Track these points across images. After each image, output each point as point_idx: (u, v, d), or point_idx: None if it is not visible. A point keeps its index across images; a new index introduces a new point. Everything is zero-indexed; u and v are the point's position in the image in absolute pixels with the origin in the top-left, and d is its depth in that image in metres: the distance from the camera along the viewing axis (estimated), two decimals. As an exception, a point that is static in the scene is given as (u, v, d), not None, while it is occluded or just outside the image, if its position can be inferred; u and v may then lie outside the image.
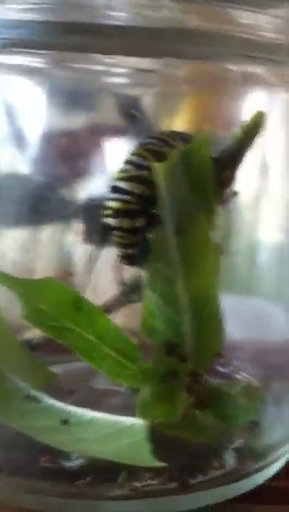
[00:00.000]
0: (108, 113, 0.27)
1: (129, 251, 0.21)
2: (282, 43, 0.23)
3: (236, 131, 0.21)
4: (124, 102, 0.28)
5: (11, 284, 0.23)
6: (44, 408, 0.26)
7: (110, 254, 0.29)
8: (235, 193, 0.23)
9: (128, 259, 0.21)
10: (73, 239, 0.30)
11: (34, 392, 0.26)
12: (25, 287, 0.23)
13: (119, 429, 0.24)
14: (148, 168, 0.20)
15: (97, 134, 0.27)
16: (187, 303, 0.21)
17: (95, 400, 0.27)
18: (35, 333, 0.30)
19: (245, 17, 0.22)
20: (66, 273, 0.30)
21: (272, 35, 0.22)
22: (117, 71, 0.24)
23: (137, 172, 0.20)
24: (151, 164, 0.20)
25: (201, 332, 0.22)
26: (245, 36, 0.22)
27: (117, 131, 0.28)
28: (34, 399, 0.26)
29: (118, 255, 0.21)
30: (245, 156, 0.21)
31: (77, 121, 0.26)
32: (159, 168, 0.19)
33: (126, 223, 0.20)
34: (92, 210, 0.30)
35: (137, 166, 0.20)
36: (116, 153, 0.28)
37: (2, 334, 0.27)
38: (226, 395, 0.26)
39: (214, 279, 0.21)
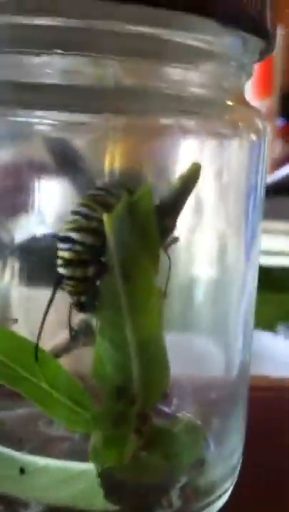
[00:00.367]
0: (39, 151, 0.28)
1: (82, 299, 0.21)
2: (211, 97, 0.25)
3: (175, 182, 0.22)
4: (53, 145, 0.29)
5: None
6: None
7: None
8: (175, 240, 0.24)
9: (81, 306, 0.22)
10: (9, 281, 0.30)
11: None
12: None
13: (73, 475, 0.25)
14: (97, 219, 0.21)
15: (28, 171, 0.28)
16: (134, 346, 0.22)
17: (45, 447, 0.27)
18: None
19: (176, 74, 0.23)
20: (6, 318, 0.31)
21: (201, 90, 0.24)
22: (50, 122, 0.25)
23: (86, 223, 0.21)
24: (99, 215, 0.21)
25: (147, 373, 0.23)
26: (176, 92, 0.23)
27: (48, 170, 0.29)
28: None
29: (71, 303, 0.22)
30: (184, 204, 0.23)
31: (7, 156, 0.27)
32: (107, 219, 0.20)
33: (78, 272, 0.21)
34: (30, 250, 0.30)
35: (86, 216, 0.21)
36: (49, 192, 0.29)
37: None
38: (169, 434, 0.27)
39: (158, 321, 0.22)
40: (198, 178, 0.22)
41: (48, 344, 0.27)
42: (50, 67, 0.22)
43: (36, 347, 0.24)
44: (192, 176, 0.22)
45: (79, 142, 0.26)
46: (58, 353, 0.27)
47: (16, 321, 0.30)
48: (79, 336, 0.26)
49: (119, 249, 0.21)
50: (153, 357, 0.23)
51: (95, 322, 0.26)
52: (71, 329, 0.26)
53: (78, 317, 0.26)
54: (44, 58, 0.21)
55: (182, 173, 0.22)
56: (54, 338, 0.28)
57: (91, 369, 0.25)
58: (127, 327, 0.22)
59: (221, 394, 0.29)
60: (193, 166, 0.22)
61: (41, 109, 0.22)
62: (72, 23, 0.21)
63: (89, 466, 0.25)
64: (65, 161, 0.28)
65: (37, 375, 0.24)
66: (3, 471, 0.26)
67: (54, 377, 0.25)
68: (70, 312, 0.24)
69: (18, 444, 0.27)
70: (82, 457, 0.25)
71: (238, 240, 0.27)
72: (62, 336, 0.27)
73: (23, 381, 0.24)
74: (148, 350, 0.22)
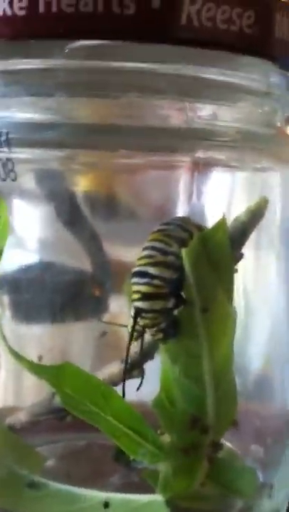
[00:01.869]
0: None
1: (161, 326, 0.22)
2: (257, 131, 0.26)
3: (241, 216, 0.23)
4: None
5: (37, 371, 0.23)
6: (54, 494, 0.26)
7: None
8: (236, 270, 0.25)
9: (161, 336, 0.22)
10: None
11: (37, 479, 0.26)
12: (48, 373, 0.23)
13: (137, 507, 0.25)
14: (173, 253, 0.22)
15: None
16: (210, 376, 0.23)
17: (94, 481, 0.28)
18: (16, 418, 0.30)
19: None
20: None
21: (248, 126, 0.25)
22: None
23: (163, 257, 0.22)
24: (175, 249, 0.22)
25: (220, 403, 0.24)
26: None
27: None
28: (40, 485, 0.26)
29: (151, 335, 0.22)
30: (249, 236, 0.24)
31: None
32: (186, 253, 0.21)
33: (157, 305, 0.21)
34: (19, 282, 0.31)
35: (162, 251, 0.22)
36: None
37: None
38: (226, 463, 0.27)
39: (232, 352, 0.23)
40: (265, 211, 0.23)
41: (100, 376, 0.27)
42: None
43: (96, 382, 0.24)
44: (259, 210, 0.23)
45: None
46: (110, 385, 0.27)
47: (41, 357, 0.30)
48: (133, 367, 0.27)
49: (197, 282, 0.22)
50: (226, 386, 0.23)
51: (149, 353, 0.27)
52: (126, 361, 0.27)
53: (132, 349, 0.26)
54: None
55: (250, 206, 0.23)
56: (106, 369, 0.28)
57: (154, 399, 0.25)
58: (203, 357, 0.22)
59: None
60: (261, 200, 0.23)
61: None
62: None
63: (151, 498, 0.25)
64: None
65: (104, 410, 0.24)
66: (60, 507, 0.26)
67: (118, 410, 0.25)
68: (129, 345, 0.24)
69: (67, 479, 0.27)
70: (131, 490, 0.25)
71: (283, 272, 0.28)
72: (116, 366, 0.28)
73: (95, 416, 0.24)
74: (222, 380, 0.23)
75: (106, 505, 0.24)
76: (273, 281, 0.29)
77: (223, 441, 0.29)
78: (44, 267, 0.31)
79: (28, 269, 0.31)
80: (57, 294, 0.31)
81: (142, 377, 0.26)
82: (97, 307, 0.33)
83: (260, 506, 0.26)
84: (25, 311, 0.32)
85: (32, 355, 0.28)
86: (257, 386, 0.30)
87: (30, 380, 0.30)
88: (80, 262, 0.32)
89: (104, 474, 0.29)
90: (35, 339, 0.33)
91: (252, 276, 0.28)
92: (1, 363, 0.30)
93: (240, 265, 0.25)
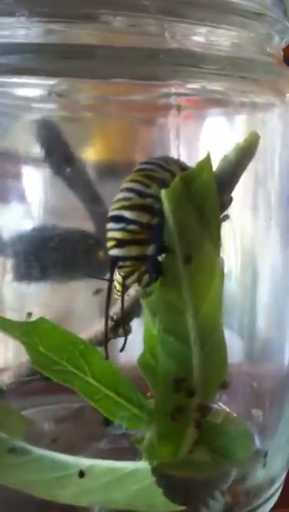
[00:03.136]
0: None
1: (140, 274, 0.20)
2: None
3: (230, 154, 0.21)
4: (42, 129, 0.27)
5: (8, 327, 0.21)
6: (35, 460, 0.24)
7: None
8: (227, 217, 0.22)
9: (137, 284, 0.20)
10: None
11: (19, 444, 0.24)
12: (20, 330, 0.21)
13: (122, 476, 0.23)
14: (152, 196, 0.19)
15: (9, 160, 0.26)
16: (195, 333, 0.21)
17: (81, 447, 0.26)
18: (1, 380, 0.28)
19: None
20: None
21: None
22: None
23: (140, 200, 0.19)
24: (154, 191, 0.19)
25: (207, 363, 0.21)
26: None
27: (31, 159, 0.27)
28: (21, 451, 0.24)
29: (130, 283, 0.20)
30: (240, 177, 0.21)
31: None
32: (166, 195, 0.19)
33: (135, 252, 0.19)
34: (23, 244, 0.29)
35: (140, 193, 0.19)
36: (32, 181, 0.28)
37: None
38: (219, 428, 0.25)
39: (220, 306, 0.21)
40: (255, 148, 0.20)
41: (83, 335, 0.25)
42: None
43: (75, 339, 0.22)
44: (250, 147, 0.20)
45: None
46: (95, 344, 0.25)
47: (30, 314, 0.28)
48: (118, 325, 0.25)
49: (178, 228, 0.19)
50: (214, 345, 0.21)
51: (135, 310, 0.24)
52: (111, 318, 0.24)
53: (116, 307, 0.24)
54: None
55: (238, 144, 0.20)
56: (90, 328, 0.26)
57: (138, 359, 0.23)
58: (188, 313, 0.20)
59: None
60: (251, 136, 0.20)
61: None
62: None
63: (138, 466, 0.23)
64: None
65: (84, 370, 0.22)
66: (42, 475, 0.24)
67: (99, 371, 0.23)
68: (107, 302, 0.22)
69: (52, 444, 0.26)
70: (119, 456, 0.24)
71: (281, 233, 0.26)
72: (99, 326, 0.25)
73: (72, 376, 0.22)
74: (210, 337, 0.21)
75: (81, 474, 0.22)
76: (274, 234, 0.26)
77: (220, 404, 0.27)
78: (44, 229, 0.30)
79: (28, 231, 0.29)
80: (56, 254, 0.29)
81: (126, 336, 0.23)
82: (98, 268, 0.31)
83: (254, 476, 0.24)
84: (22, 271, 0.30)
85: (23, 313, 0.27)
86: (260, 348, 0.28)
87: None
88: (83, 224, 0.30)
89: (92, 439, 0.27)
90: (31, 298, 0.32)
91: (251, 229, 0.26)
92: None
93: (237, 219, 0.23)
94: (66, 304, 0.33)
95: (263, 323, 0.28)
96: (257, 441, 0.25)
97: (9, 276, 0.30)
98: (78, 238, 0.31)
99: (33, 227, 0.29)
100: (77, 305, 0.33)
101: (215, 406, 0.28)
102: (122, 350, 0.23)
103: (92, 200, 0.30)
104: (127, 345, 0.23)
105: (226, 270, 0.22)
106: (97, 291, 0.30)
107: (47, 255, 0.29)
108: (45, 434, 0.28)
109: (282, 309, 0.27)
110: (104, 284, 0.29)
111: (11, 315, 0.27)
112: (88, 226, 0.31)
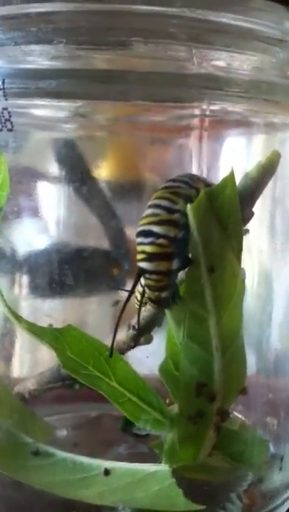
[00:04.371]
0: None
1: (163, 293, 0.21)
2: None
3: (252, 171, 0.22)
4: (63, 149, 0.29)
5: (40, 334, 0.22)
6: (58, 462, 0.25)
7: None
8: (247, 231, 0.23)
9: (159, 301, 0.21)
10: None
11: (43, 447, 0.25)
12: (50, 336, 0.22)
13: (143, 477, 0.24)
14: (178, 211, 0.20)
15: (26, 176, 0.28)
16: (217, 340, 0.22)
17: (101, 451, 0.27)
18: (24, 386, 0.29)
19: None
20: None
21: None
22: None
23: (167, 215, 0.20)
24: (181, 207, 0.20)
25: (228, 369, 0.22)
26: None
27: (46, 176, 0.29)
28: (45, 454, 0.25)
29: (149, 298, 0.21)
30: (261, 193, 0.22)
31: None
32: (191, 210, 0.20)
33: (162, 266, 0.20)
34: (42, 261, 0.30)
35: (167, 209, 0.20)
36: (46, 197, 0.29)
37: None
38: (236, 435, 0.26)
39: (240, 314, 0.22)
40: (276, 166, 0.22)
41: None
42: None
43: (112, 347, 0.23)
44: (271, 165, 0.22)
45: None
46: (121, 350, 0.26)
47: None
48: (140, 333, 0.26)
49: (203, 241, 0.20)
50: (234, 352, 0.22)
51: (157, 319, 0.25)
52: (133, 327, 0.26)
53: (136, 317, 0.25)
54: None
55: (260, 162, 0.22)
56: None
57: (160, 366, 0.24)
58: (210, 321, 0.21)
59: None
60: (272, 155, 0.21)
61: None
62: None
63: (157, 468, 0.24)
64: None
65: (108, 375, 0.24)
66: (65, 476, 0.25)
67: (124, 377, 0.24)
68: (122, 311, 0.23)
69: (74, 448, 0.27)
70: (137, 460, 0.25)
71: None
72: (123, 333, 0.27)
73: (98, 380, 0.23)
74: (230, 344, 0.22)
75: (106, 472, 0.23)
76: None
77: (236, 413, 0.28)
78: (61, 247, 0.31)
79: (45, 249, 0.30)
80: (74, 271, 0.30)
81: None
82: (114, 283, 0.32)
83: (270, 479, 0.25)
84: (40, 287, 0.31)
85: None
86: (275, 361, 0.29)
87: (41, 350, 0.29)
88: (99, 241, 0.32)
89: (111, 444, 0.28)
90: (49, 312, 0.33)
91: (267, 245, 0.27)
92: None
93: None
94: (82, 317, 0.35)
95: (278, 338, 0.29)
96: (272, 447, 0.26)
97: (26, 291, 0.31)
98: (94, 255, 0.32)
99: (50, 243, 0.30)
100: (92, 318, 0.34)
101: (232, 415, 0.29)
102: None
103: (109, 217, 0.32)
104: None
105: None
106: (116, 303, 0.31)
107: (64, 271, 0.30)
108: (67, 439, 0.29)
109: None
110: (121, 297, 0.30)
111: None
112: (103, 242, 0.32)
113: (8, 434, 0.26)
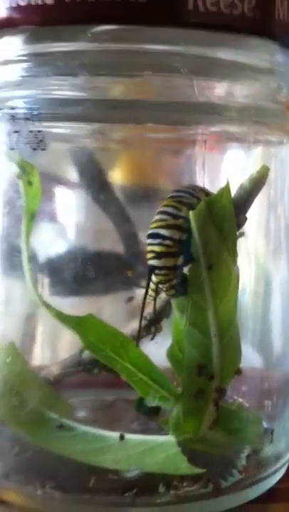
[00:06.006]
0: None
1: (173, 283, 0.25)
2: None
3: (245, 183, 0.26)
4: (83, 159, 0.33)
5: (66, 321, 0.27)
6: (80, 435, 0.29)
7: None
8: (242, 234, 0.27)
9: (172, 291, 0.25)
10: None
11: (66, 422, 0.29)
12: (74, 323, 0.26)
13: (152, 447, 0.28)
14: (182, 217, 0.24)
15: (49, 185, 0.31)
16: (215, 328, 0.26)
17: (117, 427, 0.31)
18: (49, 371, 0.33)
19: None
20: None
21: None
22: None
23: (173, 221, 0.24)
24: (184, 214, 0.24)
25: (224, 352, 0.26)
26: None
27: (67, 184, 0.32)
28: (68, 428, 0.29)
29: (162, 290, 0.25)
30: (252, 202, 0.26)
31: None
32: (193, 216, 0.24)
33: (168, 263, 0.24)
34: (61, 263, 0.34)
35: (173, 215, 0.24)
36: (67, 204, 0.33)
37: (25, 372, 0.31)
38: (234, 413, 0.30)
39: (235, 306, 0.26)
40: (266, 178, 0.26)
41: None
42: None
43: (116, 333, 0.27)
44: (261, 178, 0.25)
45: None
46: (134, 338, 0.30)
47: None
48: (150, 323, 0.30)
49: (203, 242, 0.24)
50: (230, 338, 0.26)
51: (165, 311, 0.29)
52: (144, 318, 0.29)
53: (148, 309, 0.29)
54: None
55: (252, 175, 0.26)
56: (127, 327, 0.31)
57: (167, 351, 0.28)
58: (209, 310, 0.25)
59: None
60: (262, 168, 0.25)
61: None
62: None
63: (165, 439, 0.28)
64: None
65: (123, 357, 0.27)
66: (87, 445, 0.29)
67: (135, 359, 0.28)
68: (143, 304, 0.27)
69: (93, 424, 0.31)
70: (152, 433, 0.28)
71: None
72: (134, 325, 0.31)
73: (114, 361, 0.27)
74: (226, 331, 0.26)
75: (122, 437, 0.27)
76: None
77: (235, 397, 0.32)
78: (81, 251, 0.35)
79: (66, 254, 0.34)
80: (91, 271, 0.34)
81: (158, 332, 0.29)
82: (128, 282, 0.36)
83: (263, 451, 0.29)
84: (60, 286, 0.35)
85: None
86: (274, 355, 0.33)
87: (63, 338, 0.33)
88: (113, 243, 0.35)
89: (125, 422, 0.32)
90: (69, 308, 0.36)
91: (264, 247, 0.31)
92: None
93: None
94: (98, 311, 0.39)
95: (275, 332, 0.33)
96: (264, 424, 0.30)
97: (49, 289, 0.35)
98: (110, 258, 0.36)
99: (70, 246, 0.34)
100: (108, 312, 0.38)
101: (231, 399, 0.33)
102: (152, 339, 0.28)
103: (123, 222, 0.35)
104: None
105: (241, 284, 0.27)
106: (130, 299, 0.35)
107: (82, 272, 0.33)
108: (86, 417, 0.33)
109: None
110: (135, 293, 0.34)
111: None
112: (118, 245, 0.36)
113: (36, 411, 0.30)
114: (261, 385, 0.32)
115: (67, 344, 0.35)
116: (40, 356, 0.36)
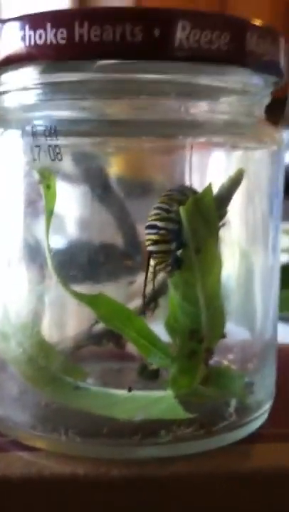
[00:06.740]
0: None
1: (168, 263, 0.31)
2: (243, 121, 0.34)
3: (225, 183, 0.32)
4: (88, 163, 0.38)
5: (81, 298, 0.33)
6: (94, 393, 0.35)
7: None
8: (224, 224, 0.33)
9: (167, 268, 0.31)
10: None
11: (81, 384, 0.36)
12: (87, 300, 0.33)
13: (155, 399, 0.34)
14: (174, 212, 0.31)
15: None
16: (203, 299, 0.32)
17: (124, 388, 0.37)
18: (65, 344, 0.40)
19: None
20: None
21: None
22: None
23: (166, 214, 0.31)
24: (176, 209, 0.31)
25: (212, 320, 0.32)
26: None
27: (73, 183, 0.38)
28: (83, 389, 0.36)
29: (160, 270, 0.31)
30: (231, 198, 0.32)
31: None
32: (183, 211, 0.30)
33: (164, 248, 0.30)
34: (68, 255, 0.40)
35: (166, 210, 0.31)
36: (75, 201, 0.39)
37: (44, 345, 0.37)
38: (221, 371, 0.36)
39: (219, 282, 0.32)
40: (241, 179, 0.32)
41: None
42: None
43: (123, 308, 0.33)
44: (238, 178, 0.32)
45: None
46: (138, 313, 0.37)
47: None
48: (150, 301, 0.36)
49: (191, 231, 0.31)
50: (215, 307, 0.32)
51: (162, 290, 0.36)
52: (144, 291, 0.36)
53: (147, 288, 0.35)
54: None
55: (230, 176, 0.32)
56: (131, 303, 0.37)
57: (165, 321, 0.34)
58: (197, 286, 0.31)
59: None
60: (238, 171, 0.32)
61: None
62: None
63: (163, 394, 0.34)
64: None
65: (129, 327, 0.34)
66: (100, 401, 0.35)
67: (139, 328, 0.34)
68: (145, 283, 0.33)
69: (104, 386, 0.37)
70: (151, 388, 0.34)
71: (264, 236, 0.37)
72: (138, 301, 0.37)
73: (122, 330, 0.33)
74: (212, 302, 0.32)
75: (129, 389, 0.33)
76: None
77: (223, 361, 0.39)
78: (84, 243, 0.40)
79: (72, 245, 0.39)
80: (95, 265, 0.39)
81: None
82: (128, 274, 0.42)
83: (246, 401, 0.36)
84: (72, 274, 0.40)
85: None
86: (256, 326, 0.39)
87: (76, 315, 0.40)
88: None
89: (130, 383, 0.38)
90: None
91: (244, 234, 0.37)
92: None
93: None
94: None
95: (256, 307, 0.39)
96: (247, 379, 0.36)
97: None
98: (111, 249, 0.42)
99: (78, 239, 0.39)
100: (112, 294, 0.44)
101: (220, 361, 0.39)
102: (152, 313, 0.34)
103: (123, 217, 0.41)
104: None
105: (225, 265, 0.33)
106: (131, 283, 0.41)
107: (88, 262, 0.37)
108: (98, 382, 0.39)
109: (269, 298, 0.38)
110: (134, 278, 0.40)
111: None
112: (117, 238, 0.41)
113: (55, 376, 0.36)
114: (244, 351, 0.39)
115: (79, 321, 0.41)
116: (56, 332, 0.42)
